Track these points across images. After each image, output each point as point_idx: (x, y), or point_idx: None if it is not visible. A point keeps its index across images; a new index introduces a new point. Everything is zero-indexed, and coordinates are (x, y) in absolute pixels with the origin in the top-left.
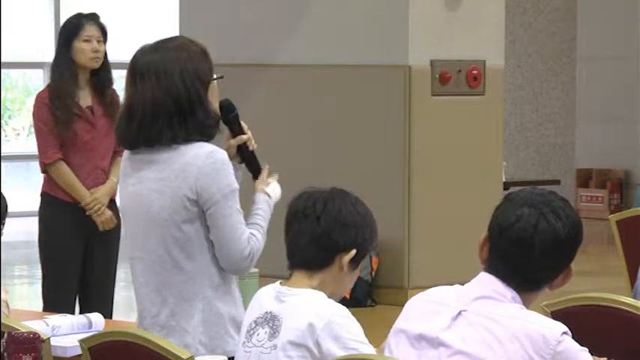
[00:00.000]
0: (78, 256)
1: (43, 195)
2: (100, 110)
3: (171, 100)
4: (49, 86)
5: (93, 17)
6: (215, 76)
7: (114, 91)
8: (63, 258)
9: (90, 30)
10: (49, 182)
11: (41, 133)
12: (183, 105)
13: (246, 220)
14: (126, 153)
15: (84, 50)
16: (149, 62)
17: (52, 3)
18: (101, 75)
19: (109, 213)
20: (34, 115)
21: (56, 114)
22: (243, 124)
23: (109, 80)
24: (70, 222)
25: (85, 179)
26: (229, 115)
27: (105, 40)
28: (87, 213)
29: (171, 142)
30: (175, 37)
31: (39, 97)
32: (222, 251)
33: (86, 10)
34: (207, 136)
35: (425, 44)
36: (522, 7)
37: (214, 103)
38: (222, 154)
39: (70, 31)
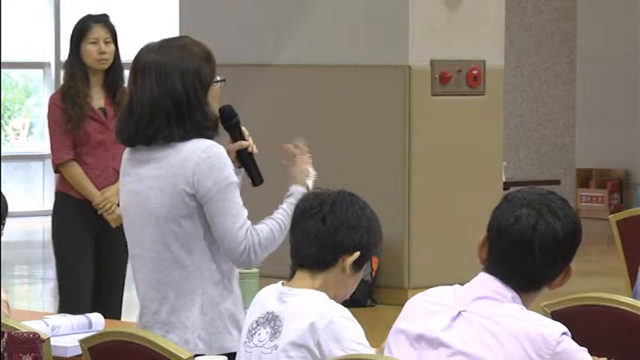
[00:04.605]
0: (91, 254)
1: (58, 194)
2: (112, 111)
3: (169, 100)
4: (61, 88)
5: (101, 18)
6: (217, 79)
7: (125, 89)
8: (78, 254)
9: (97, 32)
10: (62, 181)
11: (54, 134)
12: (181, 106)
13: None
14: (125, 152)
15: (91, 52)
16: (151, 61)
17: (52, 3)
18: (112, 75)
19: (119, 210)
20: (47, 116)
21: (69, 114)
22: (244, 129)
23: (121, 80)
24: (83, 219)
25: (97, 178)
26: (230, 122)
27: (115, 41)
28: (98, 212)
29: (169, 140)
30: (180, 37)
31: (51, 100)
32: (220, 245)
33: (87, 11)
34: (204, 138)
35: (425, 44)
36: (522, 7)
37: (214, 106)
38: (219, 149)
39: (79, 32)
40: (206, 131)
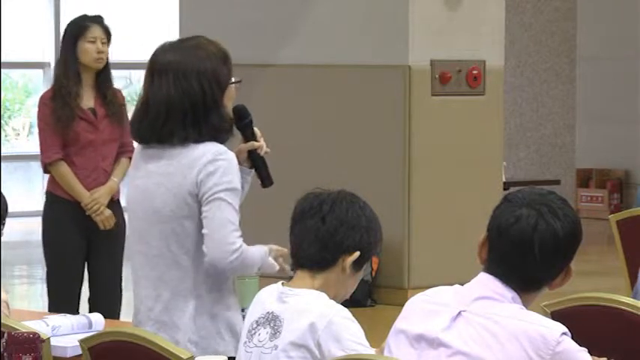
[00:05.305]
0: (81, 255)
1: (47, 194)
2: (102, 111)
3: (186, 100)
4: (52, 86)
5: (98, 19)
6: (233, 80)
7: (116, 90)
8: (67, 256)
9: (95, 31)
10: (53, 181)
11: (43, 133)
12: (198, 106)
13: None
14: (138, 147)
15: (88, 51)
16: (168, 61)
17: (52, 3)
18: (103, 76)
19: (108, 212)
20: (37, 115)
21: (58, 114)
22: (256, 130)
23: (110, 81)
24: (73, 220)
25: (86, 179)
26: (243, 122)
27: (108, 42)
28: (87, 213)
29: (183, 142)
30: (196, 37)
31: (42, 98)
32: (209, 244)
33: (86, 10)
34: (219, 140)
35: (425, 44)
36: (522, 7)
37: (229, 107)
38: (230, 155)
39: (76, 31)
40: (221, 133)
